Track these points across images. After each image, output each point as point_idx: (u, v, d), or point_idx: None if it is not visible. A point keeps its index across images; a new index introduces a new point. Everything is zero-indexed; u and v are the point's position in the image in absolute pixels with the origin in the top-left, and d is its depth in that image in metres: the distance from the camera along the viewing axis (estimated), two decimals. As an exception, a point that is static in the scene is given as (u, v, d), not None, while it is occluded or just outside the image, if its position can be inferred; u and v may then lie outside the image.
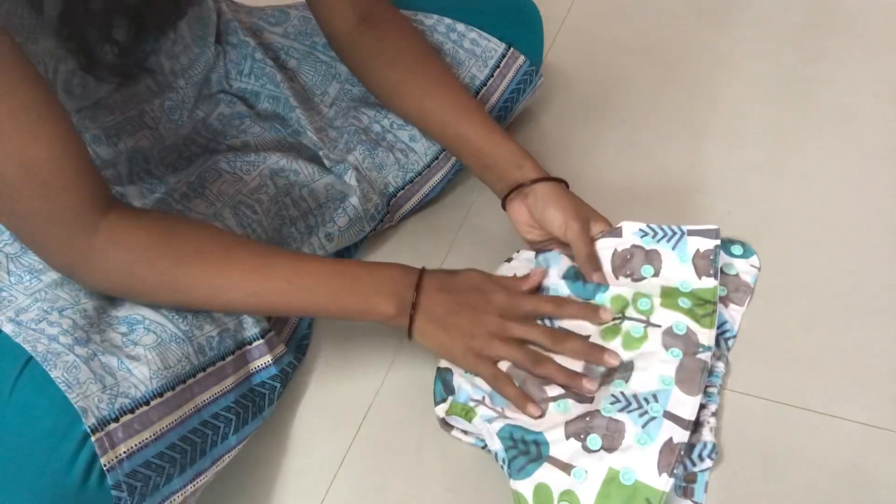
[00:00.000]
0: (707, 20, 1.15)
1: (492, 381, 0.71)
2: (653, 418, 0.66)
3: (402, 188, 0.90)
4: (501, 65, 0.93)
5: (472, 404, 0.71)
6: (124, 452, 0.58)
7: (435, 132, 0.84)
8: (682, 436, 0.65)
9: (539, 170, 0.79)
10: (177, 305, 0.66)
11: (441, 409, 0.73)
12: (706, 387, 0.72)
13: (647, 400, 0.67)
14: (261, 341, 0.71)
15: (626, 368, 0.70)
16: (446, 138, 0.83)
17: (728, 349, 0.78)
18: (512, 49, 0.94)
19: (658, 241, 0.77)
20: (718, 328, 0.75)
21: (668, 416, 0.66)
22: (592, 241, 0.77)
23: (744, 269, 0.82)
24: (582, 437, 0.66)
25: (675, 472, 0.64)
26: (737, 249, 0.84)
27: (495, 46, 0.93)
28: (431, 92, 0.82)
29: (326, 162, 0.86)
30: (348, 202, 0.85)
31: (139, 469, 0.59)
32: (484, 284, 0.73)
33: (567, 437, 0.67)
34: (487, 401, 0.71)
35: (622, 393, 0.68)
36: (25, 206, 0.57)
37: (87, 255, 0.60)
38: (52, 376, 0.57)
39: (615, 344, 0.72)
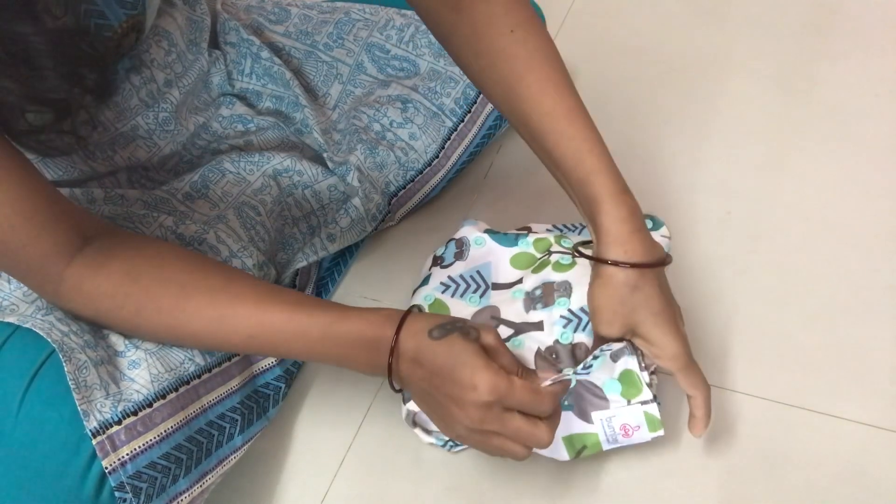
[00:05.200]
0: (707, 19, 1.15)
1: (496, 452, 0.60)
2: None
3: (403, 187, 0.90)
4: None
5: None
6: (127, 455, 0.58)
7: (528, 144, 0.68)
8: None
9: (618, 242, 0.62)
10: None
11: (413, 404, 0.70)
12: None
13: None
14: None
15: (565, 287, 0.72)
16: (536, 153, 0.67)
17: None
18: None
19: (563, 232, 0.80)
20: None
21: None
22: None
23: (656, 239, 0.79)
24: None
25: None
26: (646, 223, 0.80)
27: None
28: (517, 89, 0.64)
29: (330, 164, 0.86)
30: (350, 203, 0.85)
31: (144, 470, 0.59)
32: (460, 379, 0.57)
33: None
34: None
35: (569, 311, 0.70)
36: None
37: (56, 300, 0.61)
38: (65, 370, 0.57)
39: (546, 272, 0.73)
